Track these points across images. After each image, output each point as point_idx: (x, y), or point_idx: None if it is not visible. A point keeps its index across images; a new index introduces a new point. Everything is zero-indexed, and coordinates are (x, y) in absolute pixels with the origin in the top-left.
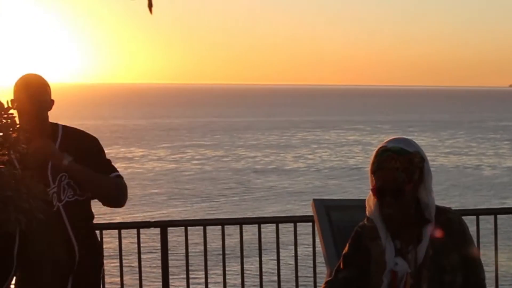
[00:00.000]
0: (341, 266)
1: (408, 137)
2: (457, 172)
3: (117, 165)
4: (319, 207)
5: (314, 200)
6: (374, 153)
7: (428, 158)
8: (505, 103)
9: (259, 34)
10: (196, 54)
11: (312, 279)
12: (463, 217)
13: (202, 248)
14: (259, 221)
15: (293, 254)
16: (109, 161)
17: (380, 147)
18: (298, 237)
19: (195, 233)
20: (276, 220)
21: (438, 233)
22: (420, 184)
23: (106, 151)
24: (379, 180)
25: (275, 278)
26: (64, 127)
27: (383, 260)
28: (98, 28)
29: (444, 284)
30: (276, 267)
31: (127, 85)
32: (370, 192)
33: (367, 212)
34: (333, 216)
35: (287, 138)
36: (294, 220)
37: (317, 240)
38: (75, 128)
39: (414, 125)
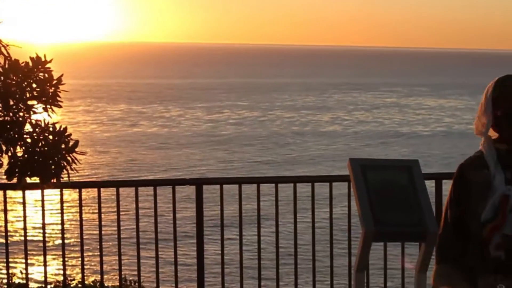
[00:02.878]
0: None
1: None
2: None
3: (153, 123)
4: (355, 166)
5: (350, 159)
6: (492, 83)
7: (466, 122)
8: None
9: None
10: (226, 13)
11: (347, 240)
12: None
13: (237, 207)
14: (295, 180)
15: (329, 215)
16: None
17: (500, 77)
18: (334, 198)
19: (230, 191)
20: (312, 180)
21: None
22: None
23: (143, 110)
24: (507, 104)
25: (310, 238)
26: None
27: (487, 189)
28: None
29: None
30: (311, 226)
31: (156, 44)
32: (481, 121)
33: (482, 147)
34: (369, 176)
35: (324, 99)
36: (330, 179)
37: (353, 200)
38: None
39: (449, 87)
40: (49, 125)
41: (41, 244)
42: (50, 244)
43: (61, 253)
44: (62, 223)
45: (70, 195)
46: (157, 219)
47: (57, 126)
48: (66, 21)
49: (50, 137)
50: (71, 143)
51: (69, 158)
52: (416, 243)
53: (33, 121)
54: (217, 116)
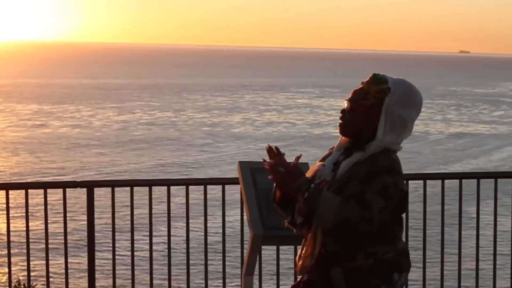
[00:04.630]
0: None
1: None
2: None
3: (63, 123)
4: (245, 170)
5: (240, 162)
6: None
7: None
8: (455, 69)
9: None
10: (149, 14)
11: (239, 244)
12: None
13: (144, 210)
14: (187, 183)
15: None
16: None
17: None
18: (227, 201)
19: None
20: (204, 182)
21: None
22: (374, 116)
23: (53, 109)
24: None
25: (203, 242)
26: None
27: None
28: None
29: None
30: (203, 231)
31: (88, 44)
32: None
33: None
34: (258, 179)
35: (235, 99)
36: (223, 182)
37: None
38: None
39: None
40: None
41: None
42: None
43: None
44: None
45: None
46: (47, 223)
47: None
48: None
49: None
50: None
51: None
52: None
53: None
54: (128, 117)
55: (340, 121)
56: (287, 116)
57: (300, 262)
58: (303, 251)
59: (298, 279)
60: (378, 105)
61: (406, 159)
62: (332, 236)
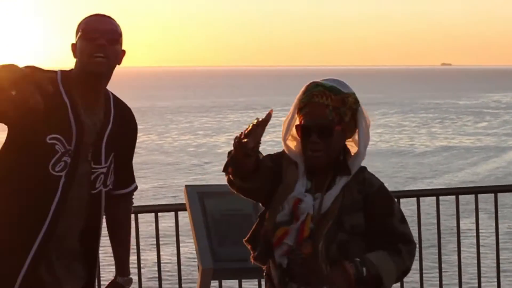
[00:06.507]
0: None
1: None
2: (389, 151)
3: None
4: (192, 194)
5: (186, 186)
6: (303, 88)
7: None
8: (437, 82)
9: None
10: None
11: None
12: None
13: None
14: (138, 211)
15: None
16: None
17: (311, 82)
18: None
19: None
20: (155, 209)
21: (352, 189)
22: (351, 130)
23: None
24: (307, 115)
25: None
26: (114, 95)
27: (292, 185)
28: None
29: (337, 241)
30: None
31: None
32: (290, 131)
33: (286, 151)
34: (208, 205)
35: (219, 120)
36: (175, 208)
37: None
38: (122, 101)
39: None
40: None
41: None
42: None
43: None
44: None
45: None
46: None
47: None
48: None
49: None
50: None
51: None
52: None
53: None
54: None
55: (316, 154)
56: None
57: None
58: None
59: None
60: (354, 117)
61: (393, 174)
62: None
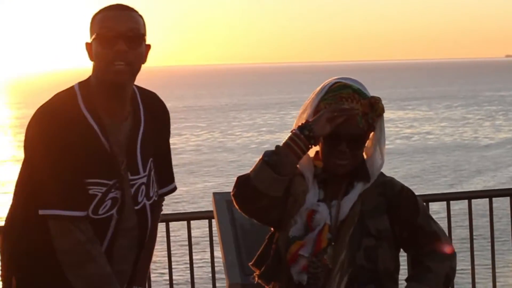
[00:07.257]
0: None
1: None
2: (453, 144)
3: None
4: (220, 203)
5: (214, 194)
6: (321, 87)
7: (425, 130)
8: (501, 74)
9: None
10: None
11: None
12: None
13: None
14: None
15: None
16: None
17: (335, 82)
18: (194, 238)
19: None
20: (168, 219)
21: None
22: (374, 136)
23: None
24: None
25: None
26: (138, 87)
27: (303, 198)
28: None
29: (363, 247)
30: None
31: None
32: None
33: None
34: (237, 214)
35: (281, 116)
36: (188, 217)
37: (216, 242)
38: (148, 90)
39: (410, 98)
40: None
41: None
42: None
43: None
44: None
45: None
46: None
47: None
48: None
49: None
50: None
51: None
52: None
53: None
54: (176, 140)
55: (343, 162)
56: None
57: None
58: None
59: None
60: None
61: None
62: None
